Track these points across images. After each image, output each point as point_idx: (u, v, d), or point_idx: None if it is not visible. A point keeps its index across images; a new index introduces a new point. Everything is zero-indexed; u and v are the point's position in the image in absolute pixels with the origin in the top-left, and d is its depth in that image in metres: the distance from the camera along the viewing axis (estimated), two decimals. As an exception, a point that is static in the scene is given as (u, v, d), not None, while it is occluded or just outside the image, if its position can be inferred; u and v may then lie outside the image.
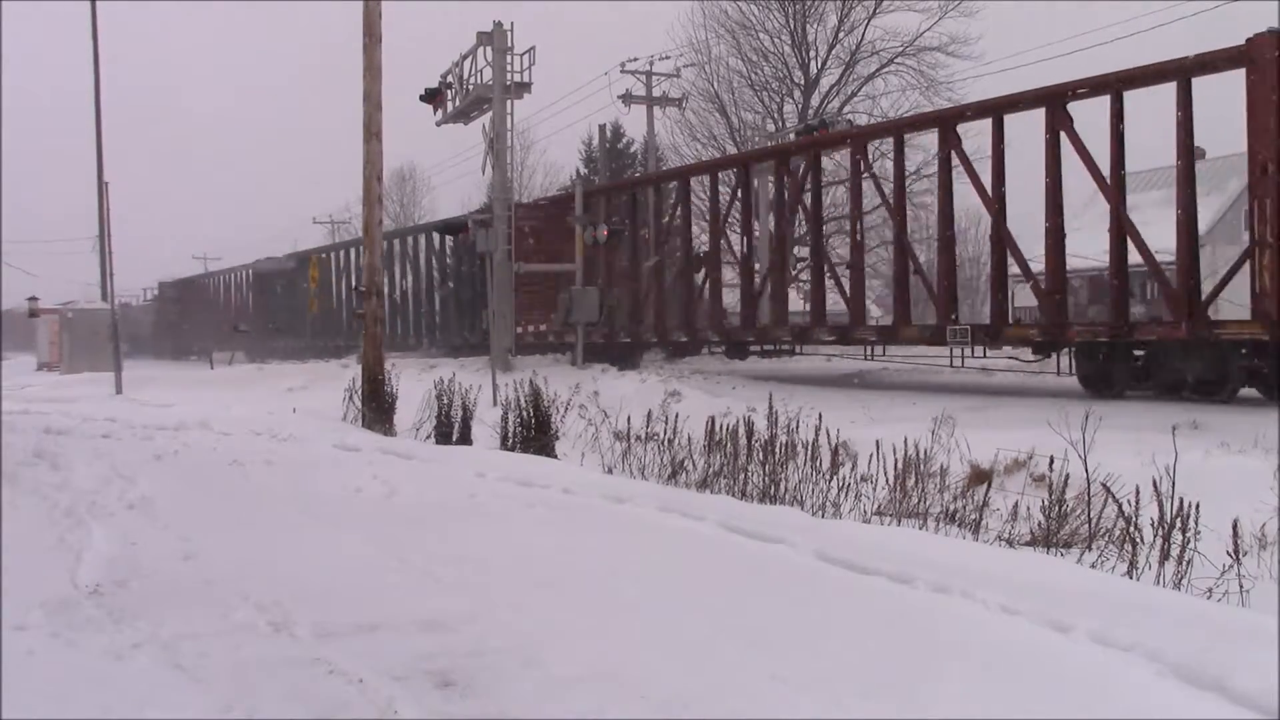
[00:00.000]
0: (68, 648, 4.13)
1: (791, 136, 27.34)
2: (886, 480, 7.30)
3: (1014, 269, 17.37)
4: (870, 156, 21.79)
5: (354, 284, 32.83)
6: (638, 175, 35.20)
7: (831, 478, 7.50)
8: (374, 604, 4.72)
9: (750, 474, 8.04)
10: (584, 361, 22.33)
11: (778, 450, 8.04)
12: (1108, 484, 6.17)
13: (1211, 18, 23.94)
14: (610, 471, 9.17)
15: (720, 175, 25.42)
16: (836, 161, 29.14)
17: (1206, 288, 14.78)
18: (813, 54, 35.02)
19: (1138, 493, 5.74)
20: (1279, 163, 13.09)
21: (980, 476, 7.78)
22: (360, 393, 13.59)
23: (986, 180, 16.66)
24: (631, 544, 6.15)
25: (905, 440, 7.54)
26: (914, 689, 3.66)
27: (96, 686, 3.71)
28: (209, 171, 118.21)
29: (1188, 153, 14.31)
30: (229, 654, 4.06)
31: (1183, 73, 14.09)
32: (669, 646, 4.12)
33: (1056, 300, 16.13)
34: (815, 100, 34.81)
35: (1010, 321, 19.22)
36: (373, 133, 13.83)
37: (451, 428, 11.84)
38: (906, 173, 21.04)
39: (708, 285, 23.69)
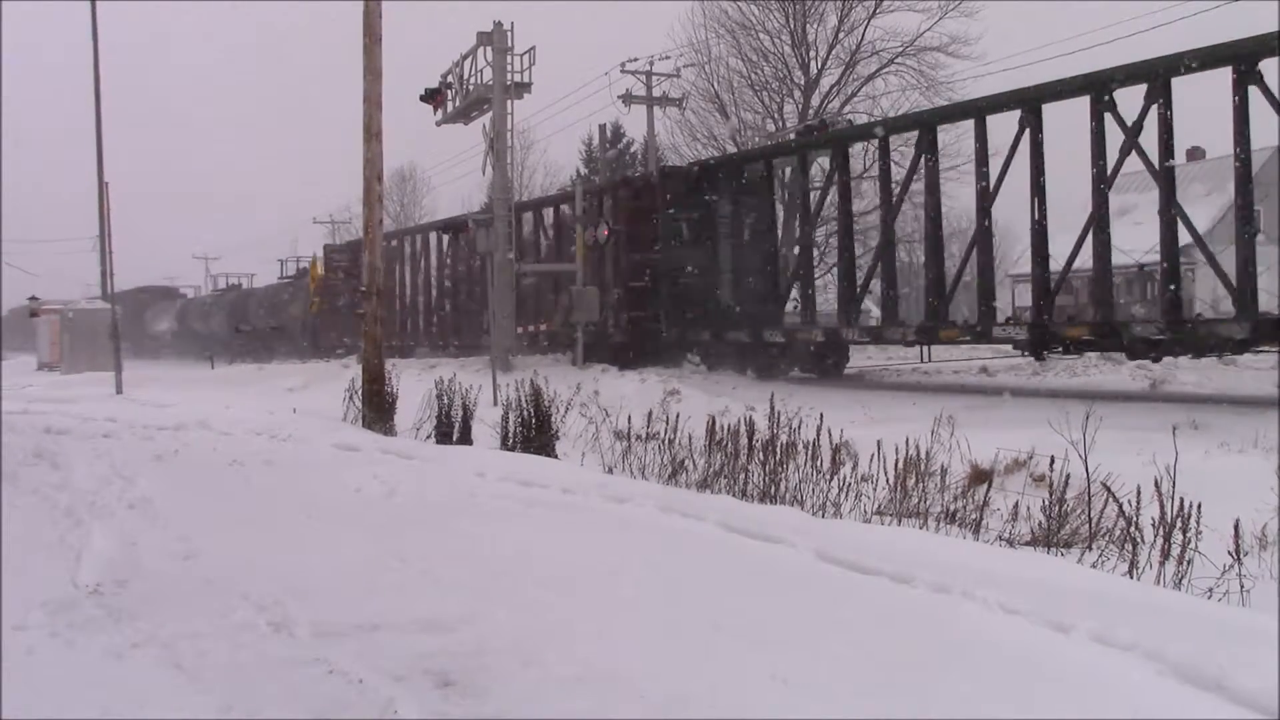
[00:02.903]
0: (68, 648, 4.13)
1: (791, 136, 27.31)
2: (887, 480, 7.30)
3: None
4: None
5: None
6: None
7: (832, 478, 7.50)
8: (374, 604, 4.72)
9: (751, 474, 8.04)
10: (585, 361, 22.34)
11: (778, 450, 8.04)
12: (1108, 484, 6.17)
13: (1213, 18, 23.93)
14: (610, 471, 9.16)
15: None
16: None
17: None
18: (813, 54, 34.99)
19: (1138, 492, 5.73)
20: None
21: (980, 476, 7.78)
22: (360, 393, 13.59)
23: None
24: (631, 544, 6.15)
25: (906, 440, 7.53)
26: (914, 689, 3.66)
27: (96, 686, 3.71)
28: (209, 171, 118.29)
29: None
30: (229, 654, 4.06)
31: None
32: (669, 646, 4.12)
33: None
34: (815, 100, 34.78)
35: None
36: (373, 133, 13.82)
37: (452, 428, 11.83)
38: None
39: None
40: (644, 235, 23.82)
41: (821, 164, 25.26)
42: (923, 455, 7.45)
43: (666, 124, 37.05)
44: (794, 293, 23.19)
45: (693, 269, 23.29)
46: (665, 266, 23.35)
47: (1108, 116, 15.64)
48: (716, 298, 23.22)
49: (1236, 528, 5.29)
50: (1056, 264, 16.78)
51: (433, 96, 25.20)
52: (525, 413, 10.82)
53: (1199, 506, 5.54)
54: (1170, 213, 14.89)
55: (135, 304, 55.21)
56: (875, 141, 21.04)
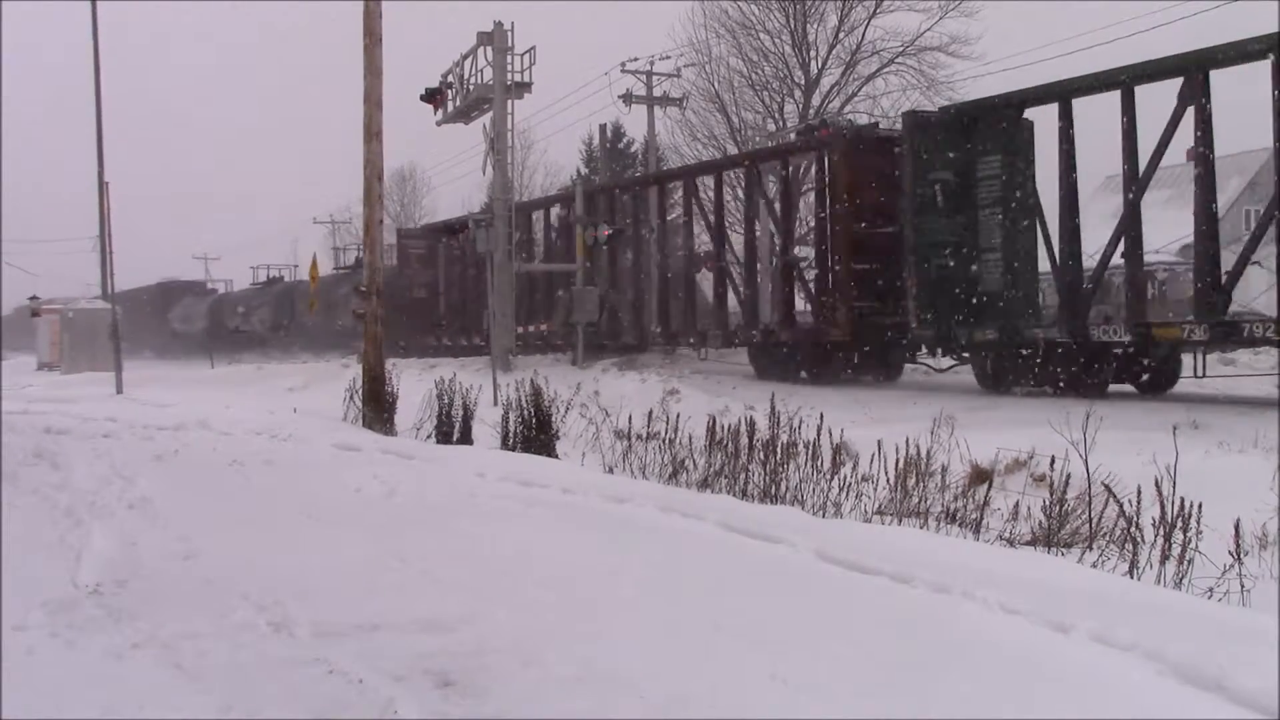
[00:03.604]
0: (68, 648, 4.13)
1: (792, 137, 27.25)
2: (887, 480, 7.31)
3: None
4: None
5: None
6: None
7: (832, 477, 7.51)
8: (374, 604, 4.72)
9: (751, 473, 8.04)
10: (585, 361, 22.32)
11: (779, 450, 8.04)
12: (1108, 484, 6.17)
13: (1212, 18, 23.95)
14: (611, 471, 9.17)
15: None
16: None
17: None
18: (813, 54, 35.01)
19: (1139, 492, 5.73)
20: None
21: (981, 476, 7.78)
22: (360, 392, 13.60)
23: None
24: (631, 544, 6.15)
25: (906, 440, 7.53)
26: (914, 689, 3.66)
27: (96, 686, 3.71)
28: (209, 171, 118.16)
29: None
30: (229, 654, 4.06)
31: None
32: (669, 646, 4.12)
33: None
34: (816, 100, 34.81)
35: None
36: (373, 133, 13.83)
37: (452, 427, 11.84)
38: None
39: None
40: (872, 203, 18.52)
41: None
42: (923, 455, 7.45)
43: (667, 124, 37.11)
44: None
45: (952, 246, 17.36)
46: (915, 243, 17.57)
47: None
48: (986, 283, 17.10)
49: (1236, 528, 5.29)
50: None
51: (433, 96, 25.19)
52: (525, 413, 10.83)
53: (1199, 506, 5.54)
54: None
55: (159, 300, 51.54)
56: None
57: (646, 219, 24.30)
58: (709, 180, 22.95)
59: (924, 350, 18.71)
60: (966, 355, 17.55)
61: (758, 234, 22.64)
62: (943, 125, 17.88)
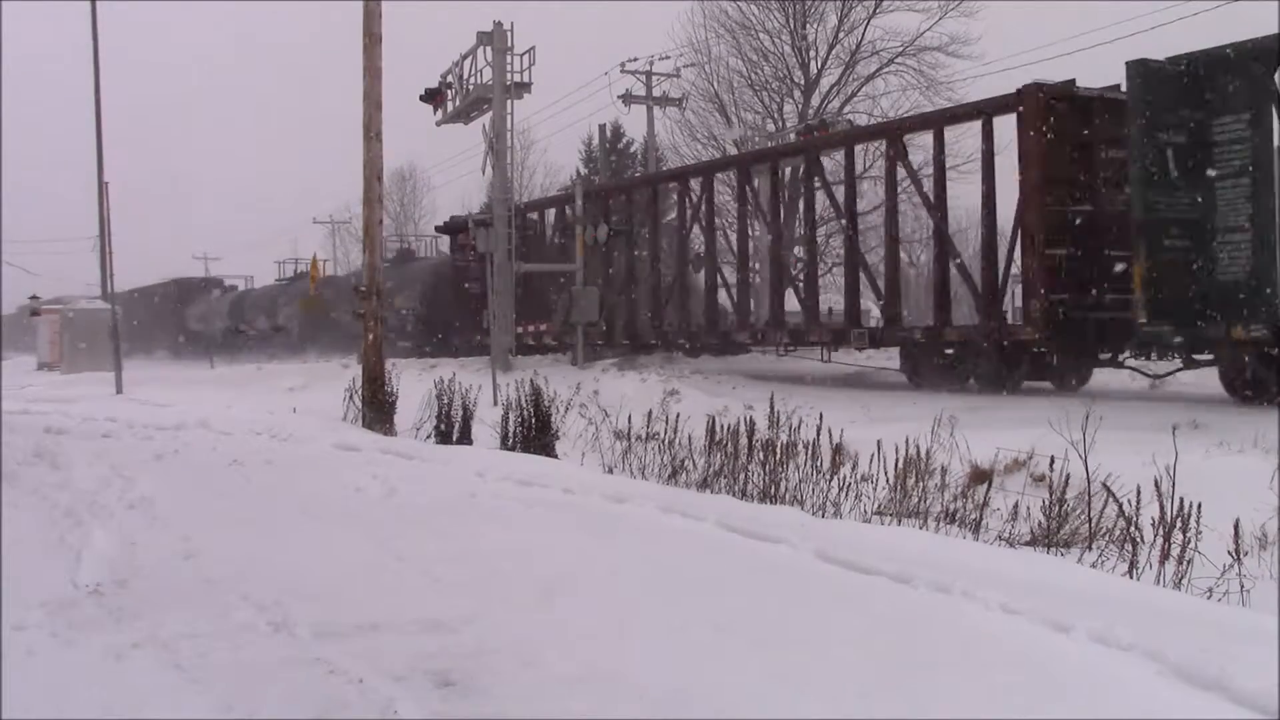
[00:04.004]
0: (68, 648, 4.13)
1: (792, 137, 27.21)
2: (887, 480, 7.30)
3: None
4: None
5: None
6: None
7: (832, 477, 7.51)
8: (374, 604, 4.73)
9: (750, 474, 8.05)
10: (584, 360, 22.31)
11: (778, 450, 8.04)
12: (1108, 484, 6.17)
13: (1211, 18, 23.95)
14: (610, 471, 9.17)
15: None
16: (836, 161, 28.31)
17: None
18: (813, 54, 35.04)
19: (1138, 492, 5.73)
20: None
21: (980, 476, 7.78)
22: (360, 392, 13.60)
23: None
24: (631, 544, 6.15)
25: (906, 440, 7.53)
26: (914, 689, 3.66)
27: (96, 686, 3.71)
28: (209, 171, 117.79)
29: None
30: (229, 654, 4.06)
31: None
32: (669, 646, 4.12)
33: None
34: (815, 100, 34.82)
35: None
36: (373, 133, 13.82)
37: (452, 427, 11.85)
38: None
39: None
40: (1067, 176, 15.79)
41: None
42: (922, 455, 7.45)
43: (666, 124, 37.12)
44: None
45: (1187, 224, 14.12)
46: (1144, 221, 14.22)
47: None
48: (1229, 270, 13.94)
49: (1236, 528, 5.29)
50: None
51: (433, 96, 25.20)
52: (525, 413, 10.84)
53: (1199, 506, 5.54)
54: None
55: (174, 297, 49.16)
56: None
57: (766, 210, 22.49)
58: (838, 156, 20.51)
59: (1128, 353, 15.69)
60: (1205, 357, 14.63)
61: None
62: (1174, 78, 14.37)
